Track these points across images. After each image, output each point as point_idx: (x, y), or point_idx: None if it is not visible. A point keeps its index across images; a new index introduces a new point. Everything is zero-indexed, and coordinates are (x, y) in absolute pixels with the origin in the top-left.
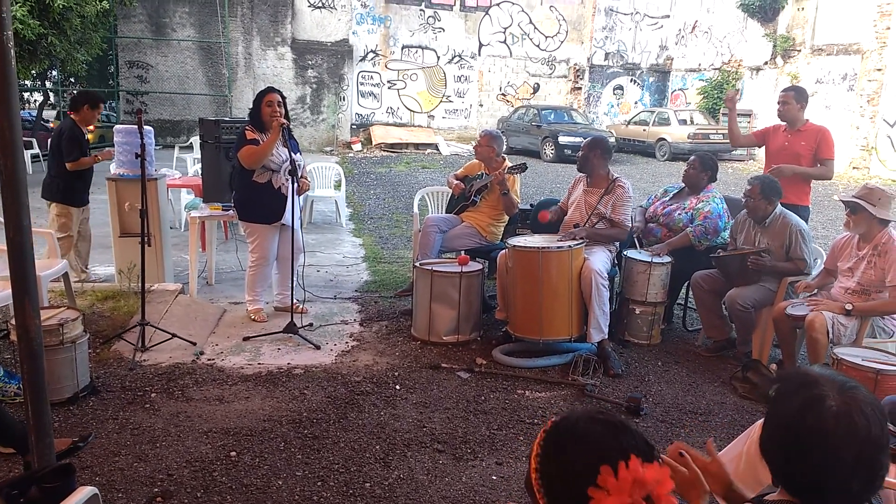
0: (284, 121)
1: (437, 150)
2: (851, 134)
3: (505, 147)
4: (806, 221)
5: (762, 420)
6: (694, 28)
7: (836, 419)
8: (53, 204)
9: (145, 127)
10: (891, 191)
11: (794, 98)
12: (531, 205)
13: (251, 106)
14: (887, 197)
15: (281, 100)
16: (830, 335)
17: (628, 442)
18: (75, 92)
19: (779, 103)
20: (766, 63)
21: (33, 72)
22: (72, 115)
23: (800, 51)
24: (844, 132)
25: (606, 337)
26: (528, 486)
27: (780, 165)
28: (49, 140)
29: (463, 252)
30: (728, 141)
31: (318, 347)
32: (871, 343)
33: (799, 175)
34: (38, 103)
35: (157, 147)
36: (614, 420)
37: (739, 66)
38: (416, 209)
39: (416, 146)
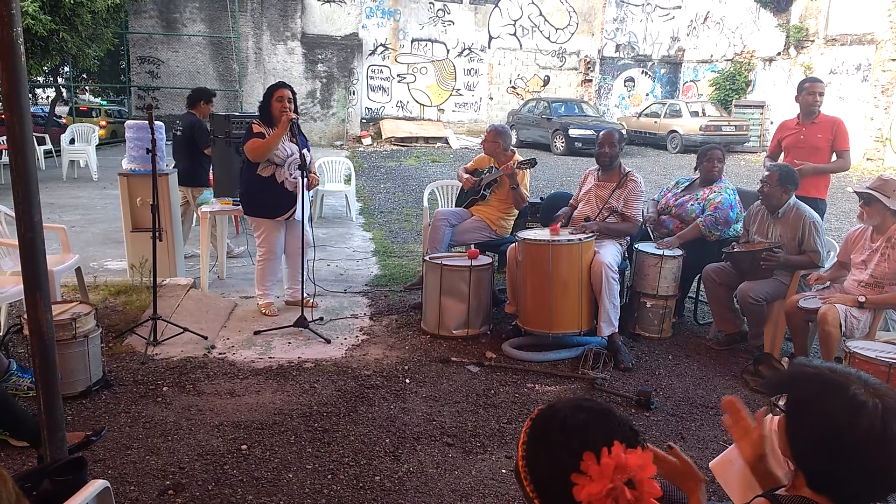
0: (294, 115)
1: (447, 143)
2: (865, 125)
3: (513, 140)
4: (823, 214)
5: (772, 416)
6: (706, 19)
7: (883, 422)
8: (195, 188)
9: (156, 122)
10: None
11: (825, 91)
12: (541, 198)
13: (261, 100)
14: None
15: (291, 95)
16: (843, 328)
17: (612, 429)
18: (190, 90)
19: (818, 94)
20: (778, 54)
21: (45, 68)
22: (192, 111)
23: (813, 41)
24: (858, 123)
25: (617, 330)
26: (516, 475)
27: (801, 167)
28: (174, 137)
29: (473, 246)
30: (741, 133)
31: (328, 341)
32: (885, 336)
33: (820, 171)
34: (50, 99)
35: (169, 142)
36: (599, 407)
37: (752, 56)
38: (425, 203)
39: (426, 140)
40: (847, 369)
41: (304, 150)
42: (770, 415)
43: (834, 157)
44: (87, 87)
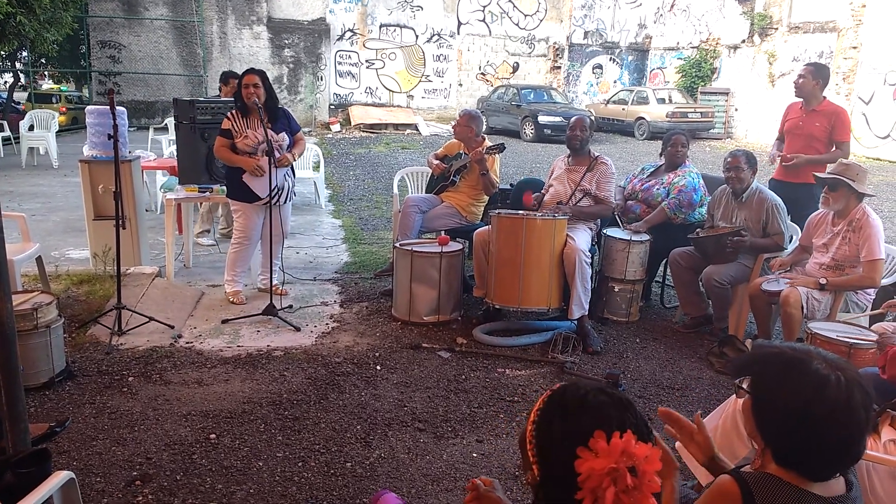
0: (258, 103)
1: (417, 130)
2: None
3: (484, 127)
4: (818, 200)
5: (736, 397)
6: (672, 6)
7: (847, 394)
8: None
9: (118, 108)
10: (865, 167)
11: (812, 73)
12: (511, 184)
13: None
14: (864, 171)
15: (260, 81)
16: (805, 310)
17: (629, 418)
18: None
19: (799, 77)
20: (743, 41)
21: (2, 53)
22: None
23: (777, 29)
24: None
25: (587, 314)
26: (521, 440)
27: (795, 160)
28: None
29: (443, 232)
30: (706, 119)
31: (297, 329)
32: (845, 317)
33: (814, 162)
34: (8, 85)
35: (132, 129)
36: (621, 396)
37: (717, 44)
38: (395, 190)
39: (396, 127)
40: (806, 347)
41: (283, 133)
42: (735, 397)
43: (834, 148)
44: (45, 73)
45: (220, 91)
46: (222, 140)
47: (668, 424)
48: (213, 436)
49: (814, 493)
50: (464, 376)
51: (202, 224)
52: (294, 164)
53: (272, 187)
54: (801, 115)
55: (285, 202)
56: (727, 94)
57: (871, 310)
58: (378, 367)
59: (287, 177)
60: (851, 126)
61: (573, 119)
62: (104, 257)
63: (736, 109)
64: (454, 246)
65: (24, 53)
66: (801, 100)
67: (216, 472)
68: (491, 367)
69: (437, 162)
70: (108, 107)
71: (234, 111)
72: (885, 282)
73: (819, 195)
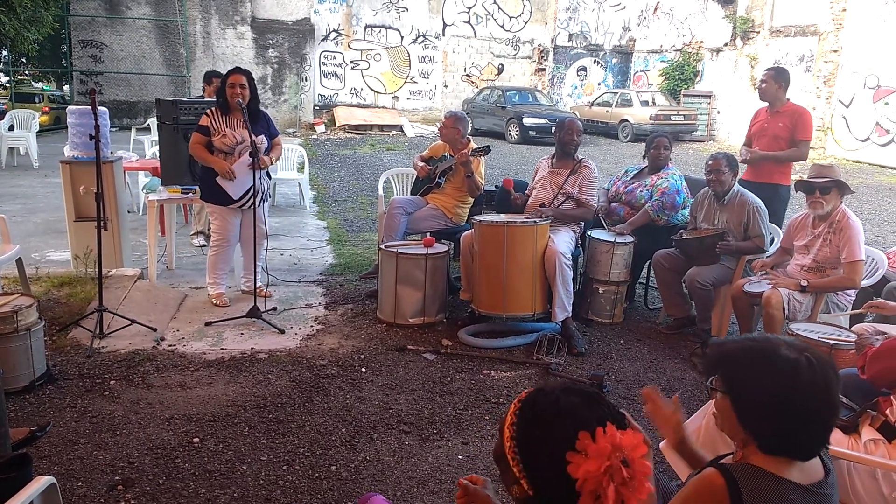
0: (242, 104)
1: (402, 131)
2: None
3: (470, 128)
4: (787, 200)
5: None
6: (656, 9)
7: (820, 372)
8: None
9: (100, 108)
10: (842, 169)
11: (773, 78)
12: (496, 186)
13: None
14: (839, 170)
15: (246, 81)
16: (786, 311)
17: (603, 411)
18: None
19: (761, 81)
20: (725, 44)
21: None
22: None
23: (759, 32)
24: None
25: (570, 316)
26: (498, 457)
27: (750, 155)
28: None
29: (428, 234)
30: (689, 122)
31: (282, 332)
32: (826, 318)
33: (769, 159)
34: None
35: (114, 129)
36: (587, 391)
37: (700, 47)
38: (380, 191)
39: (381, 128)
40: (764, 336)
41: (262, 136)
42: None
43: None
44: (27, 72)
45: (203, 91)
46: (199, 136)
47: (647, 403)
48: (196, 440)
49: (794, 482)
50: (449, 378)
51: (196, 225)
52: (270, 166)
53: (248, 189)
54: (767, 118)
55: (259, 204)
56: (710, 96)
57: (852, 310)
58: (363, 370)
59: (262, 179)
60: (813, 126)
61: (566, 121)
62: (85, 259)
63: (718, 112)
64: (439, 247)
65: (4, 52)
66: (766, 104)
67: (199, 476)
68: (476, 369)
69: (423, 164)
70: (90, 107)
71: (213, 108)
72: (865, 283)
73: (785, 195)
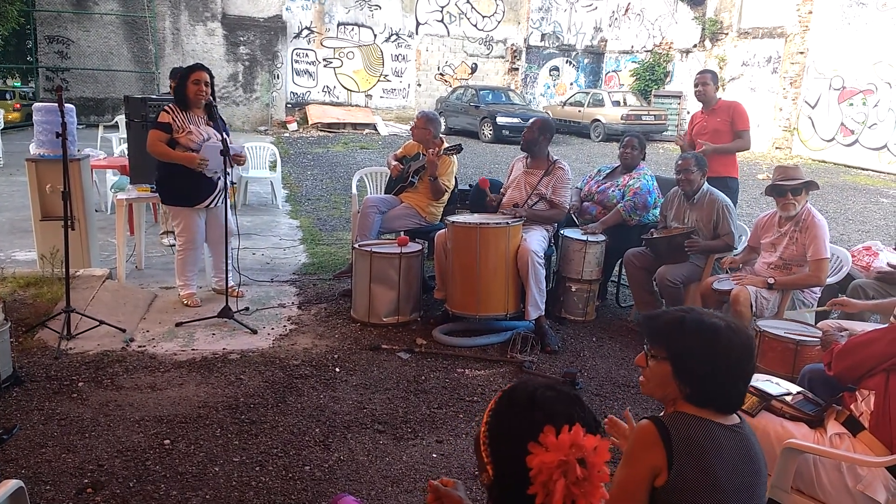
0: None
1: (376, 130)
2: (775, 115)
3: (443, 128)
4: (736, 192)
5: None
6: (627, 10)
7: (745, 333)
8: None
9: (66, 105)
10: (808, 169)
11: (711, 80)
12: (470, 185)
13: (177, 81)
14: (803, 170)
15: (209, 79)
16: (754, 308)
17: (577, 412)
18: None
19: (698, 85)
20: (695, 46)
21: None
22: None
23: (727, 34)
24: (768, 113)
25: (543, 314)
26: (475, 442)
27: (703, 147)
28: None
29: (402, 233)
30: (659, 122)
31: (254, 332)
32: (792, 315)
33: (720, 151)
34: None
35: (81, 126)
36: (569, 392)
37: (670, 48)
38: (354, 190)
39: (354, 126)
40: (688, 307)
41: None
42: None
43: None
44: None
45: (170, 88)
46: (160, 133)
47: (611, 431)
48: (167, 441)
49: (717, 422)
50: (423, 377)
51: (165, 224)
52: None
53: (216, 189)
54: (704, 118)
55: (223, 202)
56: (679, 97)
57: (817, 307)
58: (337, 369)
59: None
60: (749, 116)
61: (530, 120)
62: (52, 259)
63: (688, 112)
64: (413, 246)
65: None
66: (701, 105)
67: (171, 478)
68: (450, 368)
69: (396, 163)
70: (56, 104)
71: (172, 105)
72: (830, 280)
73: (734, 187)
